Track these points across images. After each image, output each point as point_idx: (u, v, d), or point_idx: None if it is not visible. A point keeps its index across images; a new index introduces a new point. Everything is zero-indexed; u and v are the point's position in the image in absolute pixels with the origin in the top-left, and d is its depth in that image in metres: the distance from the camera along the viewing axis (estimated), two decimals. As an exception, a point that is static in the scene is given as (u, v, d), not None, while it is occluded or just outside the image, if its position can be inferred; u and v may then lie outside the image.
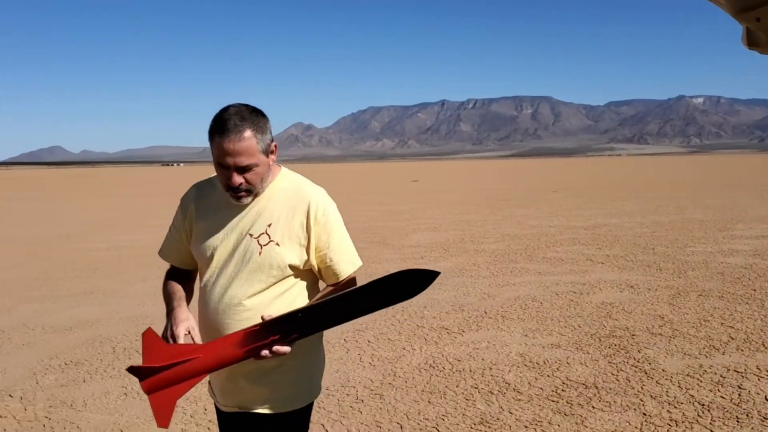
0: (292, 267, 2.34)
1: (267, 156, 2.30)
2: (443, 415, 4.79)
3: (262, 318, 2.18)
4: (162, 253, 2.57)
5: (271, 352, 2.13)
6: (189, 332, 2.22)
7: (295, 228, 2.33)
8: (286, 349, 2.15)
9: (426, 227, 17.49)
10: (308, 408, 2.46)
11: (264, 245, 2.31)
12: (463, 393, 5.23)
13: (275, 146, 2.33)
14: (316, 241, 2.36)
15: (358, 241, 14.82)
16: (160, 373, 2.17)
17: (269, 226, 2.32)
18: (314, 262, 2.38)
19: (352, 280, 2.48)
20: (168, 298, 2.41)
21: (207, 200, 2.43)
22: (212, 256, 2.36)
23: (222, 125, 2.20)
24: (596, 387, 5.28)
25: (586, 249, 12.78)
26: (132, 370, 2.20)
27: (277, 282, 2.34)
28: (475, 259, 11.81)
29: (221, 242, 2.35)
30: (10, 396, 5.45)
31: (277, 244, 2.31)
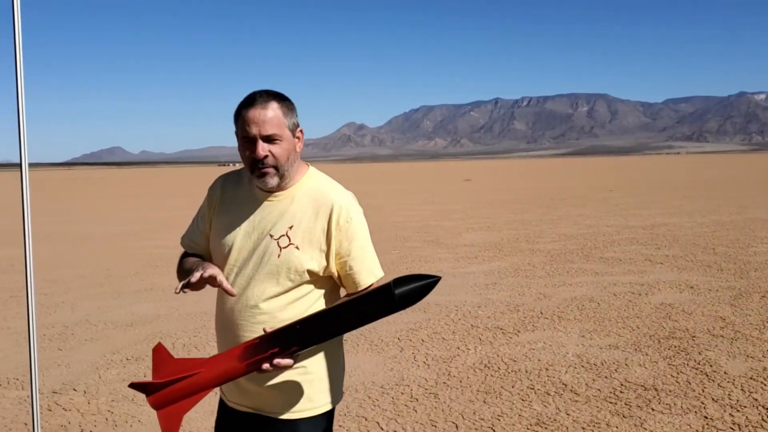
0: (310, 272, 2.25)
1: (293, 136, 2.26)
2: (499, 416, 4.76)
3: (264, 330, 2.13)
4: (184, 241, 2.51)
5: (271, 365, 2.07)
6: (216, 277, 2.16)
7: (317, 232, 2.25)
8: (287, 361, 2.08)
9: (480, 226, 17.41)
10: (330, 414, 2.37)
11: (284, 247, 2.23)
12: (519, 393, 5.19)
13: (301, 132, 2.30)
14: (337, 247, 2.26)
15: (411, 240, 14.89)
16: (165, 388, 2.16)
17: (290, 228, 2.25)
18: (334, 269, 2.29)
19: None
20: (187, 263, 2.39)
21: (232, 193, 2.38)
22: (230, 253, 2.30)
23: (249, 99, 2.22)
24: (656, 389, 5.19)
25: (645, 249, 12.55)
26: (135, 386, 2.19)
27: (295, 286, 2.26)
28: (530, 259, 11.71)
29: (241, 240, 2.29)
30: (74, 390, 5.61)
31: (297, 248, 2.23)
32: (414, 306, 8.24)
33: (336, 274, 2.31)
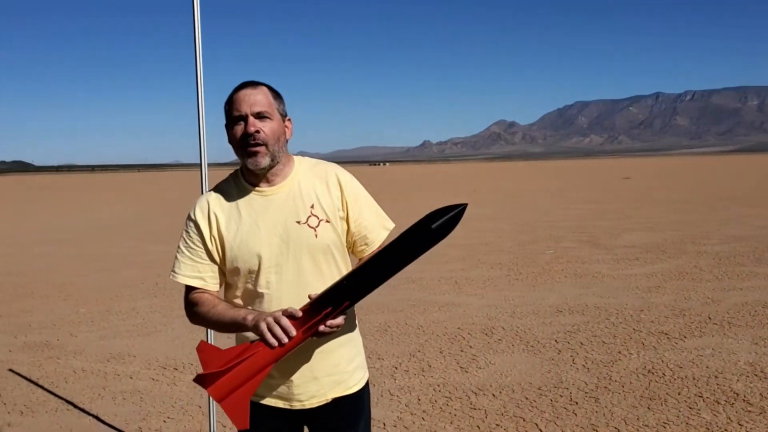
0: (343, 240, 2.35)
1: (282, 119, 2.32)
2: (664, 423, 4.58)
3: (309, 297, 2.13)
4: (189, 279, 2.34)
5: (326, 326, 2.09)
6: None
7: (335, 203, 2.32)
8: (339, 320, 2.11)
9: (640, 227, 16.72)
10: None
11: (316, 227, 2.27)
12: (686, 401, 4.96)
13: (290, 122, 2.37)
14: (350, 211, 2.33)
15: (565, 240, 14.55)
16: (225, 375, 2.11)
17: (312, 207, 2.29)
18: (353, 230, 2.36)
19: None
20: (233, 311, 2.24)
21: (226, 205, 2.34)
22: (260, 257, 2.25)
23: (239, 85, 2.31)
24: (842, 404, 4.80)
25: (826, 252, 11.61)
26: (197, 379, 2.15)
27: (341, 258, 2.35)
28: (696, 262, 11.12)
29: (268, 239, 2.26)
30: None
31: (328, 221, 2.29)
32: (571, 308, 8.08)
33: (351, 240, 2.39)
